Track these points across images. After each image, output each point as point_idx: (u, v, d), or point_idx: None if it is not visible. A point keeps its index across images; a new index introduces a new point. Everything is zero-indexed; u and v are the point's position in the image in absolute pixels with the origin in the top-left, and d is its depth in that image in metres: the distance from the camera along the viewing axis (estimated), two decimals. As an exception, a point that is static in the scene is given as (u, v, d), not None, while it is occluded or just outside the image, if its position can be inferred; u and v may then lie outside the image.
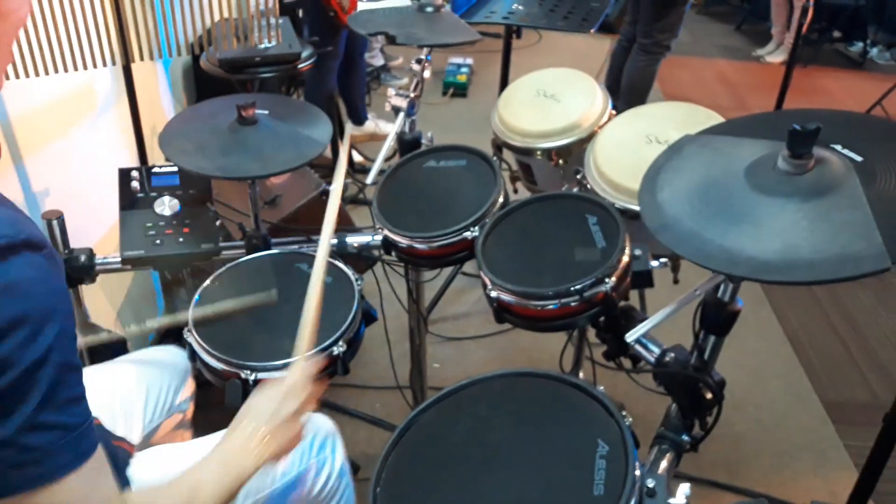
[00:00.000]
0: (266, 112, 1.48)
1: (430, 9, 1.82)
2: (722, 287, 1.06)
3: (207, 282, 1.34)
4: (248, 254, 1.45)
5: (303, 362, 1.00)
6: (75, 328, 0.67)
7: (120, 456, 1.02)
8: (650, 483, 0.85)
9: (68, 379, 0.64)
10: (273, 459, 0.92)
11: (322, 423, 1.21)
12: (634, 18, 3.28)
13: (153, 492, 0.84)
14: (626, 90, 3.30)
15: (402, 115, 1.75)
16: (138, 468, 1.03)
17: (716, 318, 1.08)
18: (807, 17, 2.95)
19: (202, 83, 3.10)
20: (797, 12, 4.55)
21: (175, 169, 1.57)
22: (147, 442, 1.25)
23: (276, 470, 1.12)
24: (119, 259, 1.47)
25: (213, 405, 1.29)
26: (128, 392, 1.24)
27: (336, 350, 1.20)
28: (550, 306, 1.14)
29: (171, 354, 1.37)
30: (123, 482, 0.98)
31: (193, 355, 1.23)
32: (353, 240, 1.54)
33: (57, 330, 0.63)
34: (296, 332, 1.22)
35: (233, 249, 1.53)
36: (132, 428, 1.20)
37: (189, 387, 1.37)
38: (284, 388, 0.95)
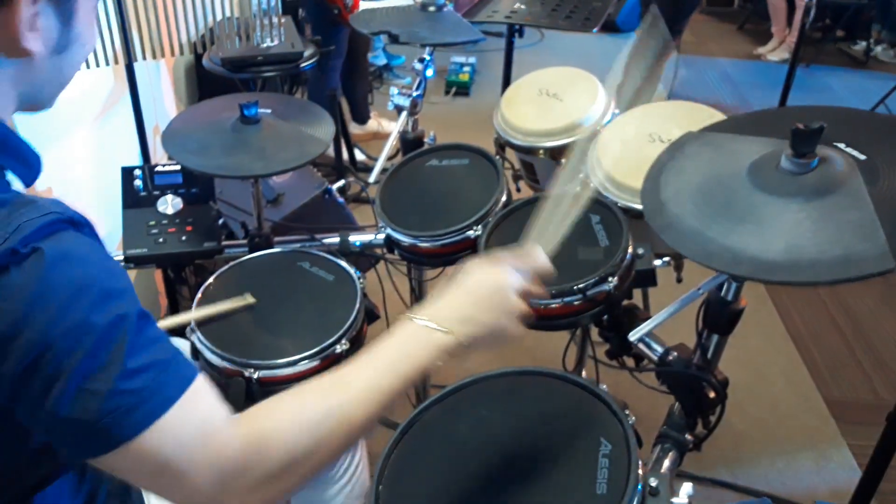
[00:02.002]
0: (269, 111, 1.48)
1: (432, 8, 1.82)
2: (725, 286, 1.06)
3: (210, 280, 1.34)
4: (250, 252, 1.45)
5: (541, 253, 0.88)
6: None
7: None
8: (653, 482, 0.85)
9: (145, 325, 0.66)
10: (483, 343, 0.81)
11: None
12: None
13: (286, 400, 0.73)
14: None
15: (404, 113, 1.75)
16: None
17: (719, 317, 1.08)
18: (809, 15, 2.94)
19: (205, 82, 3.11)
20: (800, 11, 4.55)
21: (178, 167, 1.57)
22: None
23: None
24: (122, 257, 1.47)
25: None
26: None
27: (339, 348, 1.20)
28: (553, 305, 1.14)
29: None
30: None
31: (196, 353, 1.23)
32: (356, 238, 1.54)
33: (122, 286, 0.66)
34: (297, 331, 1.23)
35: (235, 248, 1.53)
36: None
37: None
38: (506, 265, 0.83)
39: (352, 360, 0.77)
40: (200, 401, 0.68)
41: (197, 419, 0.67)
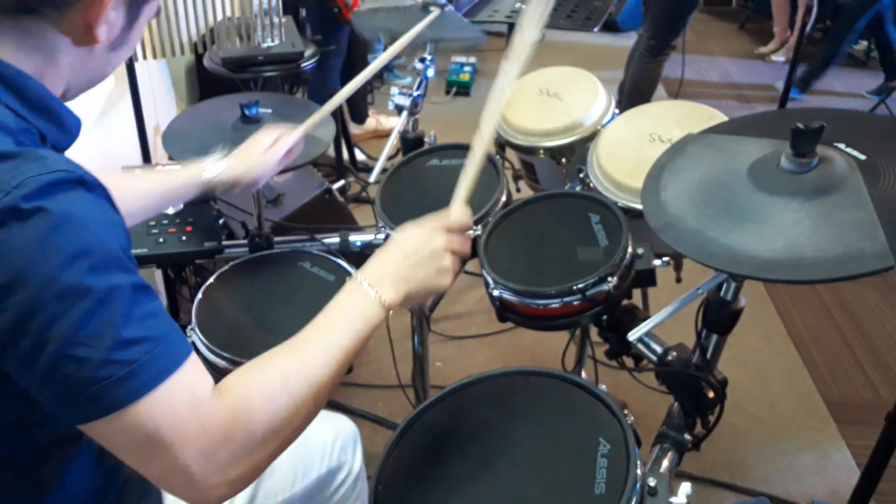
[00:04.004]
0: (269, 111, 1.48)
1: (433, 7, 1.82)
2: (724, 286, 1.06)
3: (211, 280, 1.34)
4: (251, 252, 1.45)
5: (459, 208, 0.98)
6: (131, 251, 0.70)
7: None
8: (652, 482, 0.85)
9: (142, 297, 0.66)
10: (415, 299, 0.88)
11: (344, 425, 1.22)
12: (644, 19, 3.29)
13: (256, 367, 0.77)
14: (631, 91, 3.30)
15: (405, 113, 1.75)
16: None
17: (718, 316, 1.08)
18: (811, 15, 2.94)
19: (205, 82, 3.11)
20: (801, 10, 4.55)
21: (178, 167, 1.57)
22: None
23: (294, 472, 1.11)
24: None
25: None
26: None
27: (339, 348, 1.20)
28: (553, 305, 1.14)
29: None
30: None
31: (196, 353, 1.23)
32: (357, 238, 1.54)
33: (124, 255, 0.66)
34: (297, 331, 1.23)
35: (236, 248, 1.53)
36: None
37: None
38: (428, 226, 0.93)
39: (310, 324, 0.81)
40: (192, 376, 0.69)
41: (187, 394, 0.68)
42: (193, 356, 0.70)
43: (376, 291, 0.84)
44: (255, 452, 0.71)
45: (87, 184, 0.66)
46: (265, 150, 1.25)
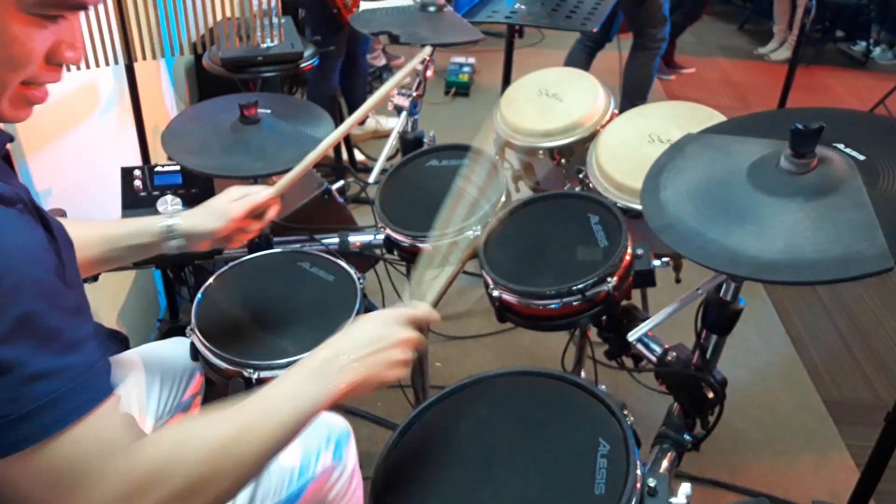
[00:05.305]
0: (268, 111, 1.48)
1: (432, 8, 1.82)
2: (724, 286, 1.06)
3: (210, 280, 1.34)
4: (250, 252, 1.45)
5: (423, 305, 0.97)
6: (64, 275, 0.65)
7: None
8: (651, 482, 0.85)
9: (63, 325, 0.62)
10: (360, 390, 0.85)
11: (337, 423, 1.22)
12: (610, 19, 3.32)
13: (192, 434, 0.73)
14: (627, 89, 3.32)
15: (404, 114, 1.75)
16: None
17: (718, 317, 1.08)
18: (810, 15, 2.95)
19: (205, 82, 3.11)
20: (800, 10, 4.56)
21: (177, 168, 1.57)
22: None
23: (291, 472, 1.12)
24: (121, 258, 1.47)
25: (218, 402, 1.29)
26: (137, 387, 1.24)
27: (338, 349, 1.20)
28: (552, 305, 1.14)
29: (179, 348, 1.37)
30: None
31: (196, 354, 1.23)
32: (356, 238, 1.54)
33: (40, 278, 0.61)
34: (297, 331, 1.23)
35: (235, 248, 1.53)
36: (142, 424, 1.20)
37: (197, 382, 1.37)
38: (389, 317, 0.90)
39: (252, 395, 0.78)
40: (109, 419, 0.65)
41: (101, 439, 0.64)
42: (114, 399, 0.66)
43: (320, 376, 0.82)
44: None
45: (5, 199, 0.61)
46: (231, 201, 1.17)
